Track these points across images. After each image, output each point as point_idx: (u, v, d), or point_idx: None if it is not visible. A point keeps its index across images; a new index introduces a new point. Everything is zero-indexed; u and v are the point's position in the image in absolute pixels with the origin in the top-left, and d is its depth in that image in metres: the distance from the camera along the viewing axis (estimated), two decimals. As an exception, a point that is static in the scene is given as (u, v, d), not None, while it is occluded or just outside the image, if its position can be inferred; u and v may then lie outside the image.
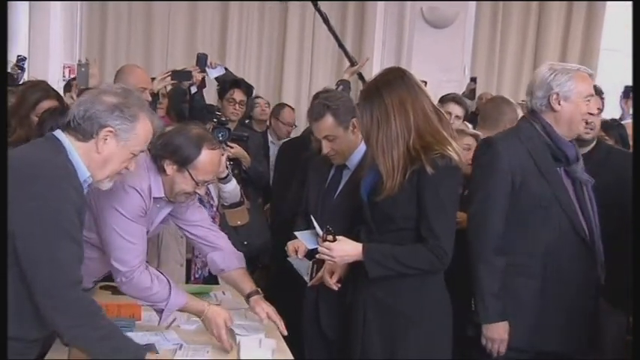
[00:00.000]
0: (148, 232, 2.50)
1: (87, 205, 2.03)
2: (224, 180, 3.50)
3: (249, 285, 2.65)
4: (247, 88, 4.63)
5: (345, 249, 2.38)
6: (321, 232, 2.45)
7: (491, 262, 2.52)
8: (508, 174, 2.54)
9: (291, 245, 2.81)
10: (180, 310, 2.49)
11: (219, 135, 3.62)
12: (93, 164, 1.98)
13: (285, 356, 2.44)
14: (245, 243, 3.58)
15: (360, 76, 4.57)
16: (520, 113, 3.22)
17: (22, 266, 1.86)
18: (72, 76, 5.34)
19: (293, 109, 5.96)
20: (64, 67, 6.04)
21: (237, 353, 2.38)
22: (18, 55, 5.39)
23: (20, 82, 4.70)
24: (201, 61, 4.44)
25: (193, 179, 2.42)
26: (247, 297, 2.63)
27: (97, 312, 1.96)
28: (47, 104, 3.00)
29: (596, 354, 2.79)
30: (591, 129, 3.01)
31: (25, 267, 1.86)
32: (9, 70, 4.99)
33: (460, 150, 2.38)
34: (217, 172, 2.95)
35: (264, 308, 2.56)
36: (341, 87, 4.04)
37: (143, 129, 2.02)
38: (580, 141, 2.95)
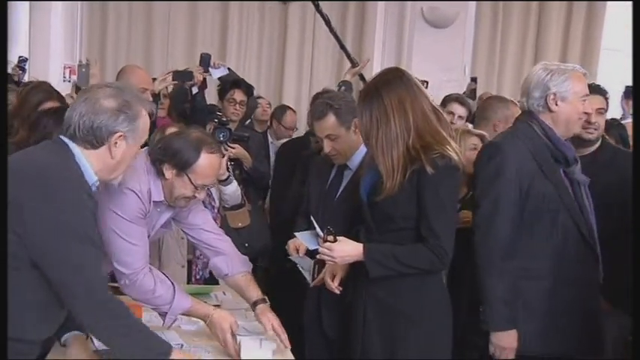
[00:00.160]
0: (148, 236, 2.49)
1: (97, 208, 2.05)
2: (224, 182, 3.49)
3: (255, 292, 2.59)
4: (247, 89, 4.60)
5: (346, 249, 2.38)
6: (321, 233, 2.45)
7: (499, 269, 2.48)
8: (515, 179, 2.51)
9: (291, 244, 2.82)
10: (185, 314, 2.47)
11: (221, 135, 3.61)
12: (106, 168, 2.01)
13: (286, 356, 2.44)
14: (246, 245, 3.57)
15: (362, 77, 4.57)
16: (518, 111, 3.21)
17: (43, 271, 1.89)
18: (73, 76, 5.35)
19: (295, 111, 5.93)
20: (64, 68, 6.03)
21: (238, 353, 2.38)
22: (19, 56, 5.40)
23: (21, 83, 4.70)
24: (205, 61, 4.44)
25: (192, 183, 2.40)
26: (253, 305, 2.57)
27: (125, 312, 2.01)
28: (49, 105, 3.00)
29: (596, 354, 2.78)
30: (595, 129, 2.98)
31: (47, 272, 1.90)
32: (10, 71, 5.00)
33: (459, 150, 2.38)
34: (217, 176, 2.93)
35: (270, 319, 2.50)
36: (343, 88, 4.04)
37: (144, 122, 2.05)
38: (584, 141, 2.94)
